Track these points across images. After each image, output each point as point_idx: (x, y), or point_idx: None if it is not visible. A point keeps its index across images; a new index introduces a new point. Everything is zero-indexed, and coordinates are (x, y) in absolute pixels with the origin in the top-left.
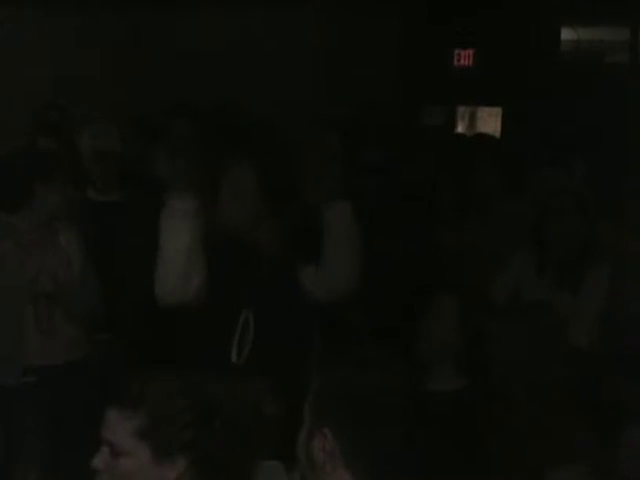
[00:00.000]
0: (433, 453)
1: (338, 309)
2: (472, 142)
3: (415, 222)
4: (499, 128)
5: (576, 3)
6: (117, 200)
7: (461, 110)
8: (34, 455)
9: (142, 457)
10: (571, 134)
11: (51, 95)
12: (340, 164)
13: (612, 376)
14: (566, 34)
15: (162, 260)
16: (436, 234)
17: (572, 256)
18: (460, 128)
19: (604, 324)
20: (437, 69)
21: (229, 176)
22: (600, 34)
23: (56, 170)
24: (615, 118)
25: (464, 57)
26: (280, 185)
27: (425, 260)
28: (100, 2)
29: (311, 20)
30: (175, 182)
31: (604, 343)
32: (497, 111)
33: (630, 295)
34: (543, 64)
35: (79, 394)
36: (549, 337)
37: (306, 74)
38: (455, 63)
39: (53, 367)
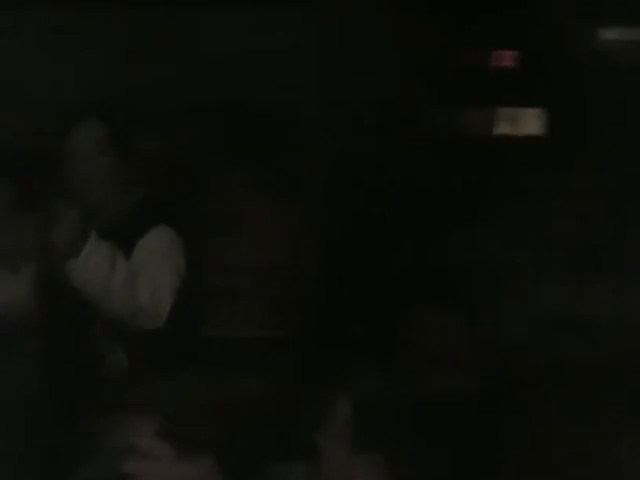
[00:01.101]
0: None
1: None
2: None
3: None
4: (540, 129)
5: (618, 1)
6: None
7: (501, 111)
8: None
9: (166, 458)
10: (616, 134)
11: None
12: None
13: None
14: (609, 33)
15: None
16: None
17: None
18: (501, 130)
19: None
20: (476, 69)
21: None
22: None
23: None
24: None
25: (503, 58)
26: None
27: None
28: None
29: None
30: None
31: None
32: (538, 112)
33: None
34: (586, 64)
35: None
36: None
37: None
38: (494, 63)
39: None
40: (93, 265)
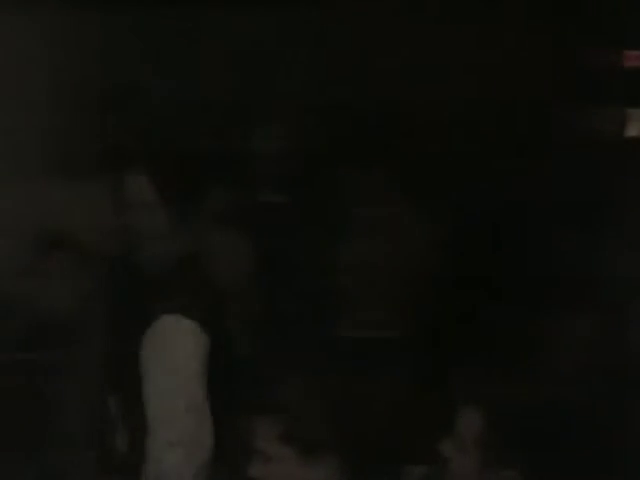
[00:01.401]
0: None
1: None
2: None
3: None
4: None
5: None
6: (284, 201)
7: (632, 112)
8: None
9: (289, 461)
10: None
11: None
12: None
13: None
14: None
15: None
16: None
17: None
18: (632, 132)
19: None
20: (606, 70)
21: None
22: None
23: (223, 172)
24: None
25: (635, 58)
26: None
27: None
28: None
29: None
30: None
31: None
32: None
33: None
34: None
35: (238, 392)
36: None
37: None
38: (626, 64)
39: None
40: None
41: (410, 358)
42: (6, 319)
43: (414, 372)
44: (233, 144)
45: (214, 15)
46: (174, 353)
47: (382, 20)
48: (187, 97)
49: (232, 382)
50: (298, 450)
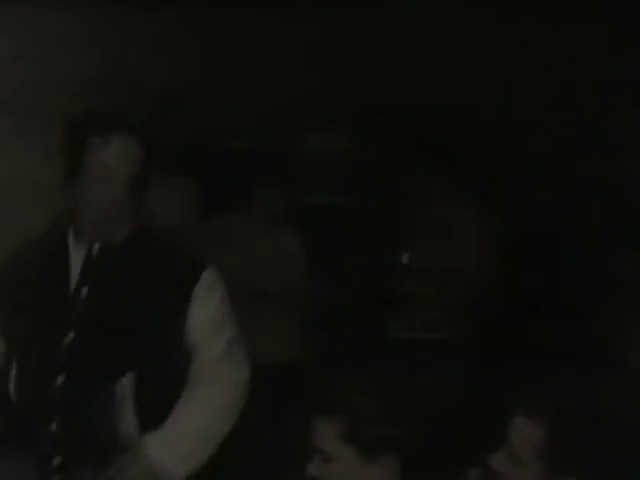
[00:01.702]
0: None
1: None
2: None
3: None
4: None
5: None
6: (341, 202)
7: None
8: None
9: (349, 460)
10: None
11: (267, 98)
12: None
13: None
14: None
15: None
16: None
17: None
18: None
19: None
20: None
21: None
22: None
23: (276, 172)
24: None
25: None
26: None
27: None
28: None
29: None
30: None
31: None
32: None
33: None
34: None
35: (296, 392)
36: None
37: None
38: None
39: (273, 364)
40: None
41: (468, 362)
42: None
43: (470, 375)
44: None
45: (271, 17)
46: None
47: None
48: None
49: (291, 381)
50: (358, 449)
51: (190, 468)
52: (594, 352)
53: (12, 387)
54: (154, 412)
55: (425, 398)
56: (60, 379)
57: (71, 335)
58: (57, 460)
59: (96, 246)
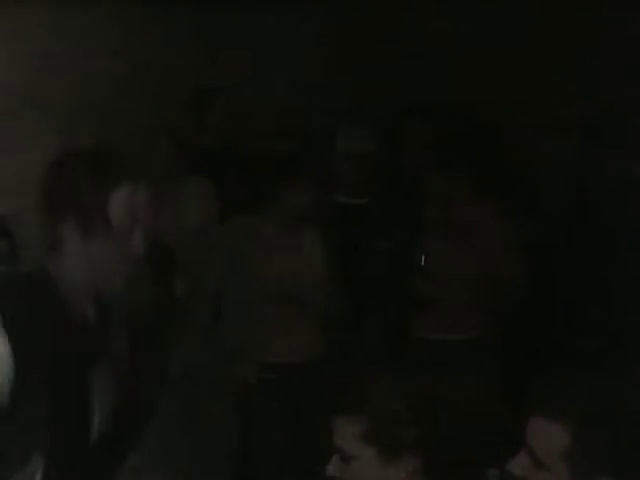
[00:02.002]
0: None
1: None
2: None
3: None
4: None
5: None
6: (365, 204)
7: None
8: (273, 448)
9: (369, 460)
10: None
11: (295, 99)
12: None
13: None
14: None
15: None
16: None
17: None
18: None
19: None
20: None
21: None
22: None
23: (301, 173)
24: None
25: None
26: None
27: None
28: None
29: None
30: None
31: None
32: None
33: None
34: None
35: (316, 392)
36: None
37: (543, 74)
38: None
39: (293, 365)
40: None
41: (490, 364)
42: None
43: (493, 377)
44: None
45: (295, 16)
46: None
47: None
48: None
49: (311, 381)
50: (378, 450)
51: None
52: (616, 354)
53: None
54: None
55: (446, 400)
56: None
57: None
58: None
59: None
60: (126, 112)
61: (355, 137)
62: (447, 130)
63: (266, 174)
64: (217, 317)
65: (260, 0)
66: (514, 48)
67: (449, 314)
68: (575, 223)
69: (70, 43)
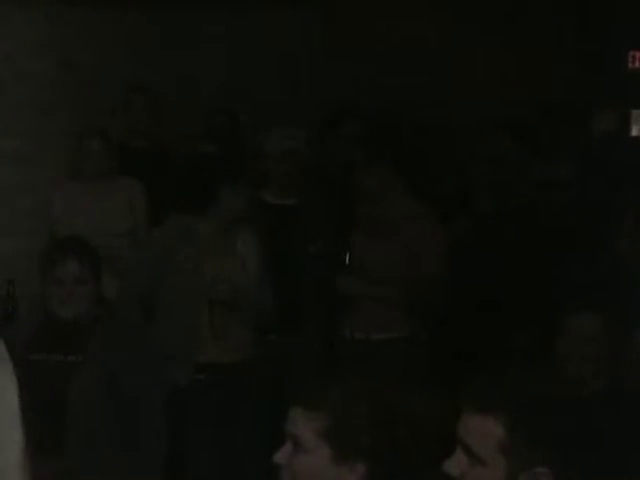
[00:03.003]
0: None
1: None
2: None
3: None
4: None
5: None
6: (294, 204)
7: (635, 113)
8: (205, 449)
9: (322, 457)
10: None
11: (226, 100)
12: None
13: None
14: None
15: None
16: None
17: None
18: (635, 132)
19: None
20: (612, 71)
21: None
22: None
23: (237, 174)
24: None
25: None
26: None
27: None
28: None
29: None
30: None
31: None
32: None
33: None
34: None
35: (248, 392)
36: None
37: (476, 72)
38: (630, 65)
39: (224, 366)
40: None
41: (420, 362)
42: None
43: (423, 375)
44: None
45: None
46: None
47: None
48: None
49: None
50: (334, 450)
51: None
52: (545, 350)
53: None
54: None
55: (397, 406)
56: None
57: None
58: None
59: None
60: (55, 112)
61: (284, 136)
62: (375, 128)
63: (197, 175)
64: (148, 318)
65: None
66: (447, 45)
67: (376, 312)
68: (504, 222)
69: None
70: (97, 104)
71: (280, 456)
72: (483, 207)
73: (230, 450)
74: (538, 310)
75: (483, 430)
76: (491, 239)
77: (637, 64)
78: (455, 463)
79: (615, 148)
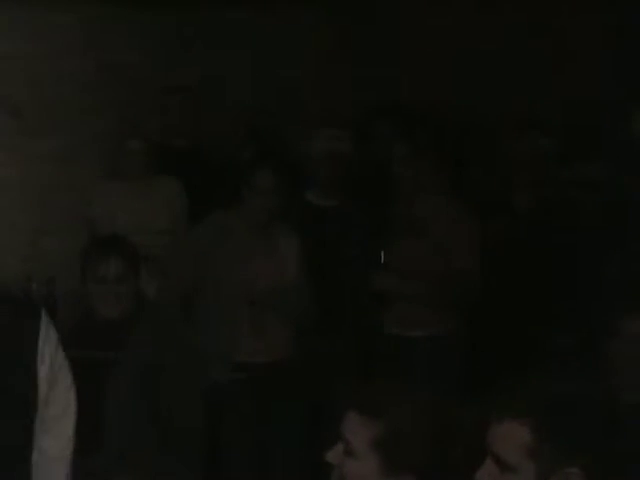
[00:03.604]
0: None
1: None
2: None
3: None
4: None
5: None
6: (337, 205)
7: None
8: (242, 448)
9: (371, 466)
10: None
11: (264, 100)
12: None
13: None
14: None
15: None
16: None
17: None
18: None
19: None
20: None
21: None
22: None
23: (269, 173)
24: None
25: None
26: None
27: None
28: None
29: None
30: None
31: None
32: None
33: None
34: None
35: (284, 392)
36: None
37: (514, 71)
38: None
39: (262, 365)
40: None
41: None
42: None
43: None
44: None
45: (272, 16)
46: None
47: None
48: None
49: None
50: (383, 459)
51: None
52: (571, 350)
53: None
54: None
55: (456, 425)
56: None
57: None
58: None
59: None
60: (95, 112)
61: (330, 137)
62: (414, 125)
63: (235, 174)
64: (188, 318)
65: (228, 0)
66: (488, 46)
67: (411, 310)
68: (541, 220)
69: (39, 43)
70: (136, 104)
71: (332, 456)
72: (520, 206)
73: (267, 449)
74: (576, 310)
75: (509, 436)
76: (528, 238)
77: None
78: (486, 473)
79: None
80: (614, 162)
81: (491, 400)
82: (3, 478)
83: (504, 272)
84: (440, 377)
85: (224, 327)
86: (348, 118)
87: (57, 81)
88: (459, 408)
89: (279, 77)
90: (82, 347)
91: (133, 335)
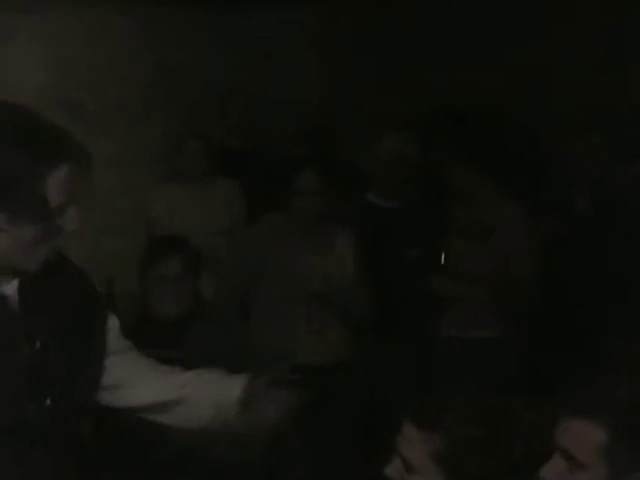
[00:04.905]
0: None
1: None
2: None
3: None
4: None
5: None
6: (398, 206)
7: None
8: (300, 451)
9: (432, 478)
10: None
11: (324, 100)
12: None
13: None
14: None
15: None
16: None
17: None
18: None
19: None
20: None
21: None
22: None
23: (321, 173)
24: None
25: None
26: None
27: None
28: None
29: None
30: None
31: None
32: None
33: None
34: None
35: (343, 393)
36: None
37: (567, 72)
38: None
39: (320, 366)
40: None
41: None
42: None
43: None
44: None
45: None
46: None
47: None
48: None
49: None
50: (446, 472)
51: None
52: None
53: None
54: None
55: (514, 427)
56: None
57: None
58: None
59: None
60: (154, 114)
61: (397, 140)
62: (472, 129)
63: (289, 175)
64: (245, 318)
65: (282, 1)
66: (540, 46)
67: (469, 312)
68: (598, 221)
69: (99, 47)
70: (195, 106)
71: (392, 471)
72: (577, 207)
73: (323, 452)
74: (633, 312)
75: (584, 435)
76: (586, 239)
77: None
78: (554, 469)
79: None
80: None
81: (553, 400)
82: None
83: (562, 273)
84: (498, 378)
85: (282, 327)
86: (407, 120)
87: (117, 83)
88: (519, 409)
89: (336, 78)
90: (140, 346)
91: (192, 334)
